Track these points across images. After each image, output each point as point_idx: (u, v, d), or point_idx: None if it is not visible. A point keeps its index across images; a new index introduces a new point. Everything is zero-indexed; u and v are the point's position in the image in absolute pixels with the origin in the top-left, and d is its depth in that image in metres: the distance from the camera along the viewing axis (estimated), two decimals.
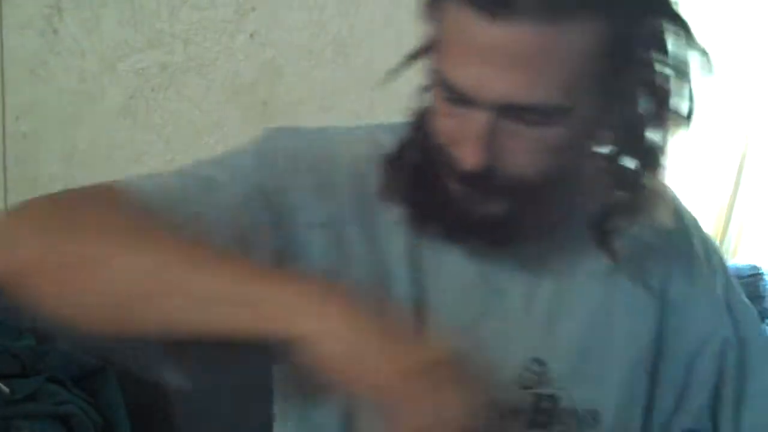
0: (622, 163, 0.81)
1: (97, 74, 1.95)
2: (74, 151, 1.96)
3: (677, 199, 0.94)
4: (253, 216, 0.77)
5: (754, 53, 1.73)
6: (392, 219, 0.82)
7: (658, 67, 0.76)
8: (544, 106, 0.71)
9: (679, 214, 0.93)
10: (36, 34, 1.95)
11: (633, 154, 0.80)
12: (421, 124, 0.81)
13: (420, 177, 0.80)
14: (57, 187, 2.03)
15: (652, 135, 0.79)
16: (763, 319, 1.60)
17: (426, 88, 0.80)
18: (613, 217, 0.82)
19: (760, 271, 1.64)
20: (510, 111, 0.71)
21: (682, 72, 0.77)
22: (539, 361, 0.85)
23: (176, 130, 1.95)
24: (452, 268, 0.84)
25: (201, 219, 0.74)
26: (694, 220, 0.95)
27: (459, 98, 0.73)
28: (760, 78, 1.73)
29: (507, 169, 0.74)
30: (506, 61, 0.69)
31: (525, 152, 0.74)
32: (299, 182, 0.80)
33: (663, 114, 0.78)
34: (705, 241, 0.94)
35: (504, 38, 0.68)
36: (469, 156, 0.73)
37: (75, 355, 1.51)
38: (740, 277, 1.64)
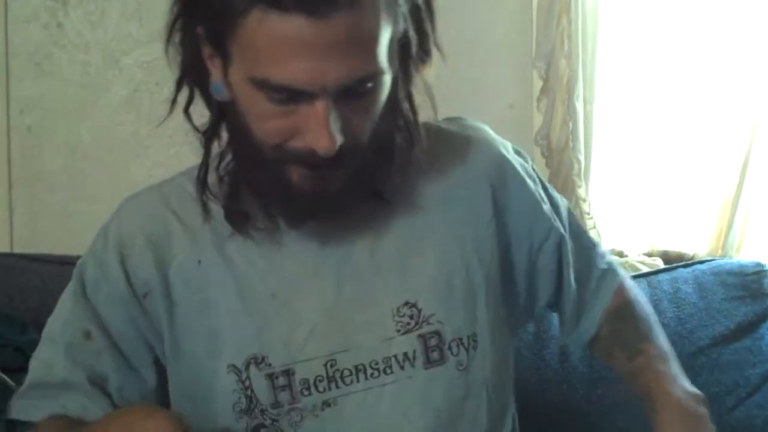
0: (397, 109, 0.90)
1: (102, 68, 1.95)
2: (78, 144, 1.96)
3: (487, 133, 1.03)
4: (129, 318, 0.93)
5: (760, 47, 1.73)
6: (222, 239, 0.92)
7: (407, 23, 0.86)
8: (368, 77, 0.80)
9: (494, 146, 1.01)
10: (40, 28, 1.95)
11: (403, 102, 0.90)
12: (239, 141, 0.88)
13: (258, 178, 0.87)
14: (61, 180, 2.04)
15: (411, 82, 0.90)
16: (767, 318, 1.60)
17: (220, 112, 0.89)
18: (376, 163, 0.90)
19: (764, 268, 1.63)
20: (343, 91, 0.80)
21: (418, 17, 0.87)
22: (408, 304, 0.92)
23: (180, 124, 1.94)
24: (295, 258, 0.92)
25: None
26: (510, 147, 1.03)
27: (291, 96, 0.80)
28: (766, 74, 1.73)
29: (350, 143, 0.82)
30: (333, 50, 0.77)
31: (360, 123, 0.83)
32: (119, 285, 0.93)
33: (413, 63, 0.89)
34: (526, 167, 1.02)
35: (328, 32, 0.76)
36: (321, 143, 0.80)
37: None
38: (744, 274, 1.62)
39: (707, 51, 1.78)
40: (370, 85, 0.81)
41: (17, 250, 1.93)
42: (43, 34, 1.95)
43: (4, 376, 1.37)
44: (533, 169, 1.04)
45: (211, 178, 0.92)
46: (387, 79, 0.84)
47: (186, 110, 0.92)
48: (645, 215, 1.88)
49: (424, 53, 0.89)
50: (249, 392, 0.89)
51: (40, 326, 1.58)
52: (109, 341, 0.93)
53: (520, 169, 1.01)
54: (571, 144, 1.80)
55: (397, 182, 0.93)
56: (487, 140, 1.01)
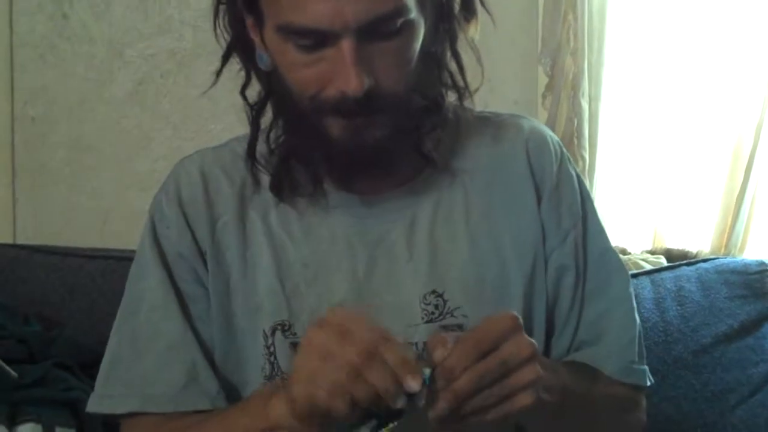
0: (431, 75, 0.90)
1: (106, 60, 1.95)
2: (82, 136, 1.96)
3: (530, 120, 1.03)
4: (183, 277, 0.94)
5: (766, 46, 1.72)
6: (268, 204, 0.94)
7: None
8: (390, 14, 0.80)
9: (540, 131, 1.01)
10: (46, 19, 1.95)
11: (442, 62, 0.91)
12: (283, 106, 0.89)
13: (301, 138, 0.88)
14: (64, 171, 2.04)
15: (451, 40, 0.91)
16: None
17: (263, 62, 0.89)
18: (424, 122, 0.90)
19: (767, 267, 1.63)
20: (366, 30, 0.80)
21: None
22: (435, 293, 0.91)
23: (184, 116, 1.95)
24: (332, 232, 0.93)
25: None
26: (557, 140, 1.02)
27: (316, 41, 0.81)
28: None
29: (382, 88, 0.82)
30: None
31: (390, 67, 0.83)
32: (184, 242, 0.94)
33: (453, 17, 0.91)
34: (564, 154, 1.01)
35: None
36: (349, 83, 0.80)
37: (82, 341, 1.52)
38: (747, 273, 1.62)
39: (713, 49, 1.78)
40: (396, 25, 0.81)
41: (20, 241, 1.94)
42: (48, 26, 1.95)
43: (6, 367, 1.37)
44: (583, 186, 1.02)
45: (262, 150, 0.93)
46: (417, 24, 0.84)
47: (242, 92, 0.94)
48: (649, 213, 1.87)
49: (468, 11, 0.91)
50: (272, 358, 0.90)
51: (42, 317, 1.60)
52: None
53: (575, 177, 1.00)
54: (575, 141, 1.80)
55: (445, 154, 0.94)
56: (543, 134, 0.99)
